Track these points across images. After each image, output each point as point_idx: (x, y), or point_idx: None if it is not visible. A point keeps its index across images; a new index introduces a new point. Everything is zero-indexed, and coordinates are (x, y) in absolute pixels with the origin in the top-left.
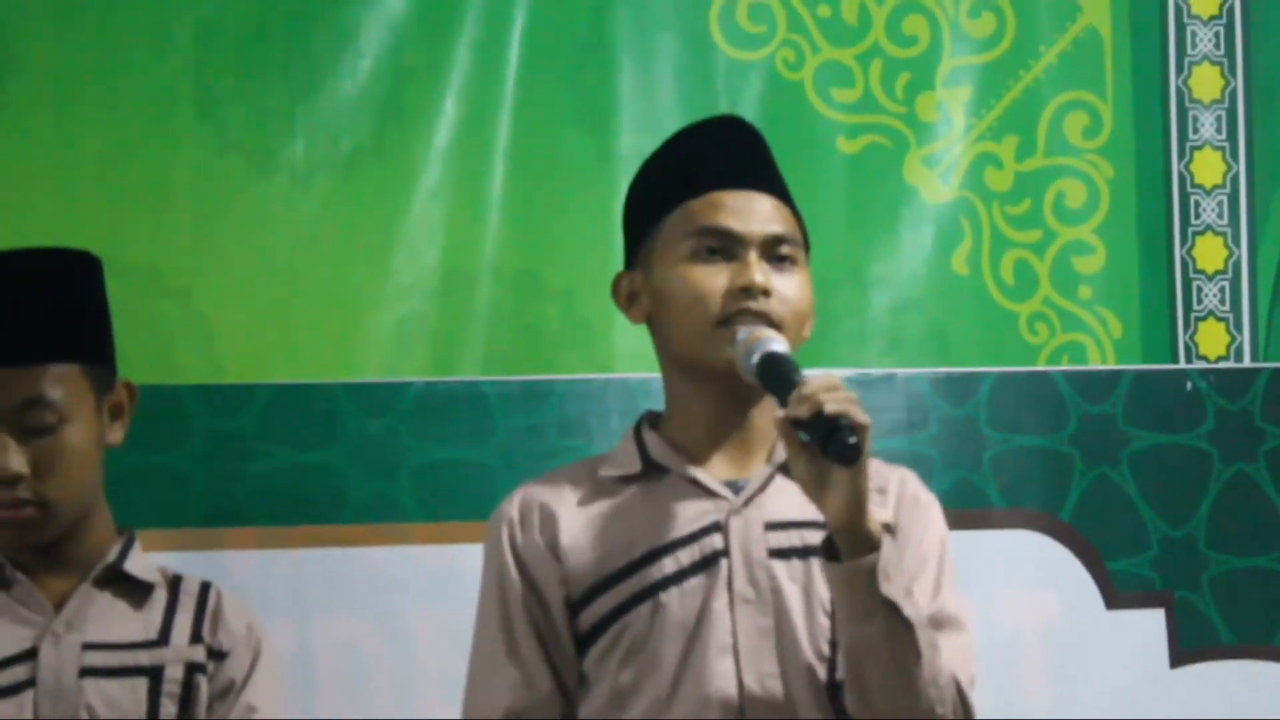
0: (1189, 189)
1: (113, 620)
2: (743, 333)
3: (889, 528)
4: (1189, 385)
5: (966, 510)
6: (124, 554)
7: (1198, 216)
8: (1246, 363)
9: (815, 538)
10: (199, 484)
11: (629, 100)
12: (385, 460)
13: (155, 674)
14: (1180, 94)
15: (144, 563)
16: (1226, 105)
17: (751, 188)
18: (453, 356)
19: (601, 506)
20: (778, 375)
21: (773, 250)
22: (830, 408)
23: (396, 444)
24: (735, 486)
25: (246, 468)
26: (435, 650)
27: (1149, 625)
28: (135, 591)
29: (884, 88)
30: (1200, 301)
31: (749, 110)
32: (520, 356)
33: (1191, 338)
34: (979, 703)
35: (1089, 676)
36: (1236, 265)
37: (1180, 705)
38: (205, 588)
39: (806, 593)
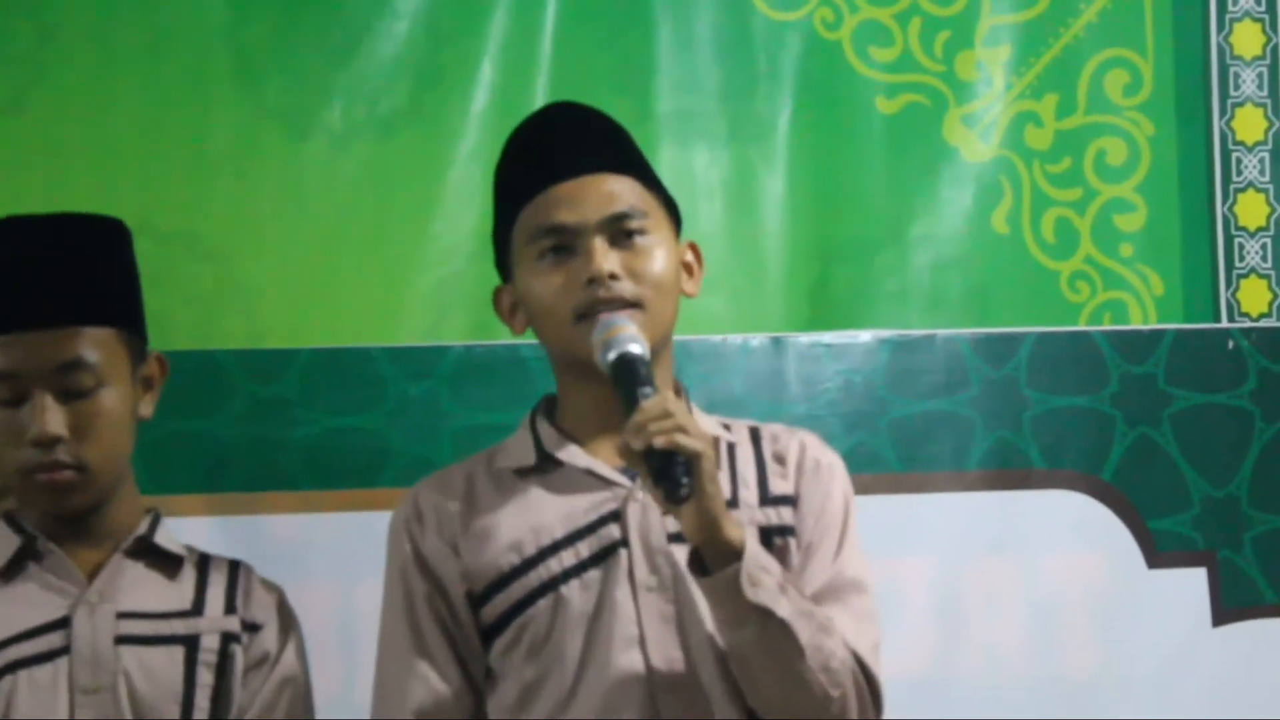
0: (1230, 146)
1: (146, 590)
2: (598, 329)
3: (789, 499)
4: (1230, 344)
5: (1007, 471)
6: (153, 528)
7: (1239, 173)
8: None
9: None
10: (240, 449)
11: (667, 62)
12: (425, 423)
13: (191, 643)
14: (1221, 50)
15: (172, 538)
16: (1268, 61)
17: (583, 172)
18: (492, 320)
19: (498, 500)
20: (623, 386)
21: (615, 229)
22: (658, 441)
23: (436, 407)
24: (631, 474)
25: (287, 432)
26: None
27: (1191, 585)
28: (166, 564)
29: (923, 46)
30: (1242, 259)
31: (788, 71)
32: None
33: (1234, 295)
34: (1023, 662)
35: (1131, 636)
36: (1279, 222)
37: (1222, 664)
38: (235, 564)
39: None
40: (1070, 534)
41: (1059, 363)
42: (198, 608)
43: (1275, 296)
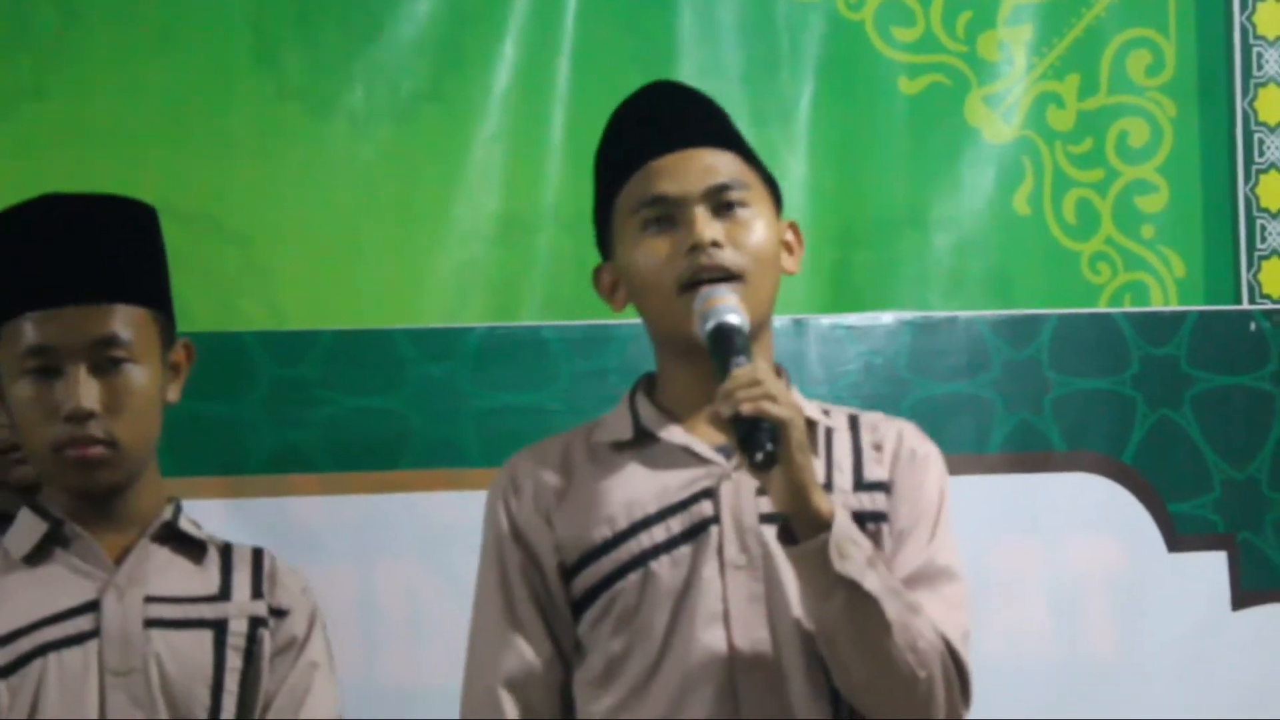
0: (1253, 127)
1: (173, 575)
2: (699, 298)
3: (883, 486)
4: (1252, 326)
5: (1028, 453)
6: (177, 514)
7: (1261, 154)
8: None
9: None
10: (262, 430)
11: (689, 44)
12: (447, 406)
13: (220, 626)
14: (1244, 30)
15: (195, 525)
16: None
17: (684, 146)
18: (513, 302)
19: (594, 474)
20: (718, 355)
21: (717, 200)
22: (745, 408)
23: (458, 389)
24: (728, 452)
25: (309, 413)
26: None
27: (1211, 567)
28: (191, 550)
29: (945, 27)
30: (1264, 240)
31: (810, 51)
32: (581, 301)
33: (1255, 276)
34: (1043, 644)
35: (1151, 619)
36: None
37: (1243, 647)
38: (258, 551)
39: None
40: (1091, 517)
41: (1080, 345)
42: (225, 593)
43: None
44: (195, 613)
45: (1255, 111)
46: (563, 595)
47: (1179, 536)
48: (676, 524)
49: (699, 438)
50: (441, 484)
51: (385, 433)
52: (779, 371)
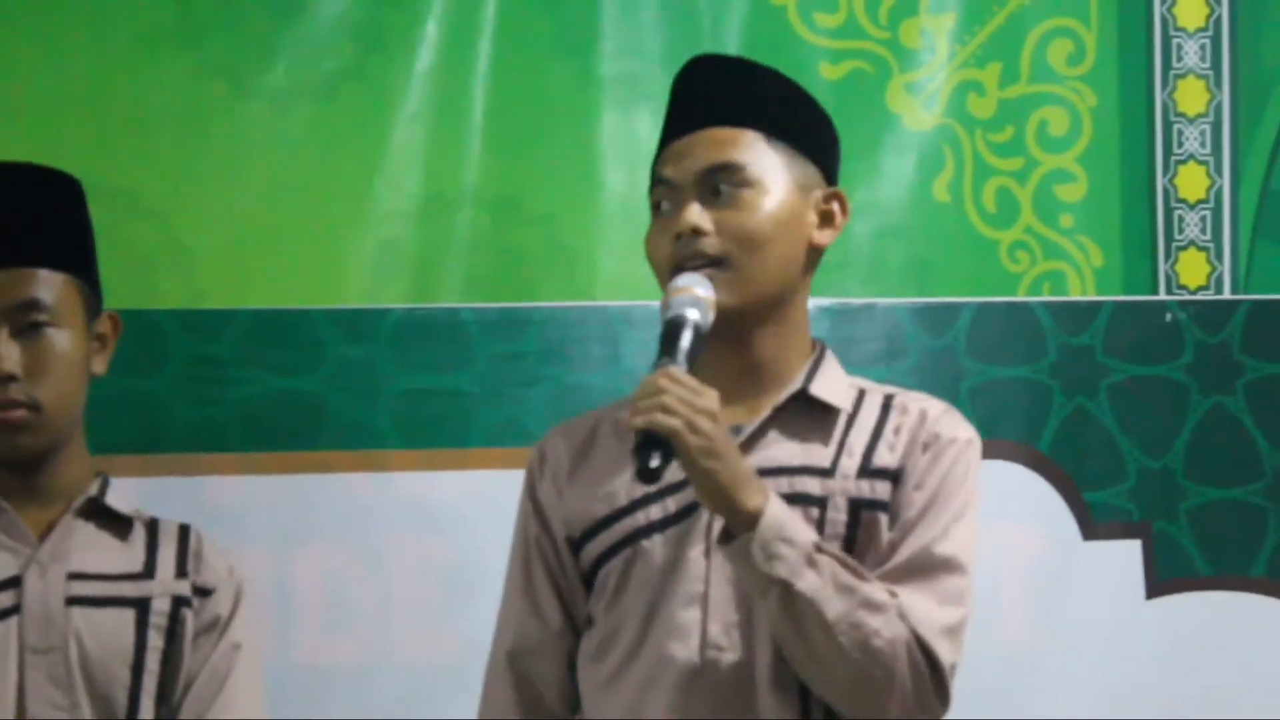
0: (1171, 117)
1: (97, 552)
2: (669, 287)
3: (889, 473)
4: (1168, 317)
5: None
6: (103, 489)
7: (1180, 145)
8: (1226, 293)
9: (807, 484)
10: (178, 409)
11: (611, 25)
12: (364, 387)
13: (142, 605)
14: (1165, 21)
15: (123, 500)
16: (1210, 33)
17: (698, 127)
18: (433, 283)
19: (611, 449)
20: (658, 352)
21: (713, 182)
22: (636, 421)
23: (376, 370)
24: (735, 431)
25: (226, 393)
26: (411, 577)
27: (1126, 556)
28: (116, 526)
29: (868, 13)
30: (1181, 231)
31: (732, 35)
32: (500, 283)
33: (1172, 267)
34: None
35: (1065, 607)
36: (1218, 195)
37: (1156, 636)
38: (185, 528)
39: None
40: (1006, 505)
41: (998, 333)
42: (149, 570)
43: (1214, 269)
44: (118, 590)
45: (1174, 103)
46: (574, 568)
47: (1094, 525)
48: (673, 503)
49: None
50: (359, 465)
51: (302, 413)
52: (815, 347)
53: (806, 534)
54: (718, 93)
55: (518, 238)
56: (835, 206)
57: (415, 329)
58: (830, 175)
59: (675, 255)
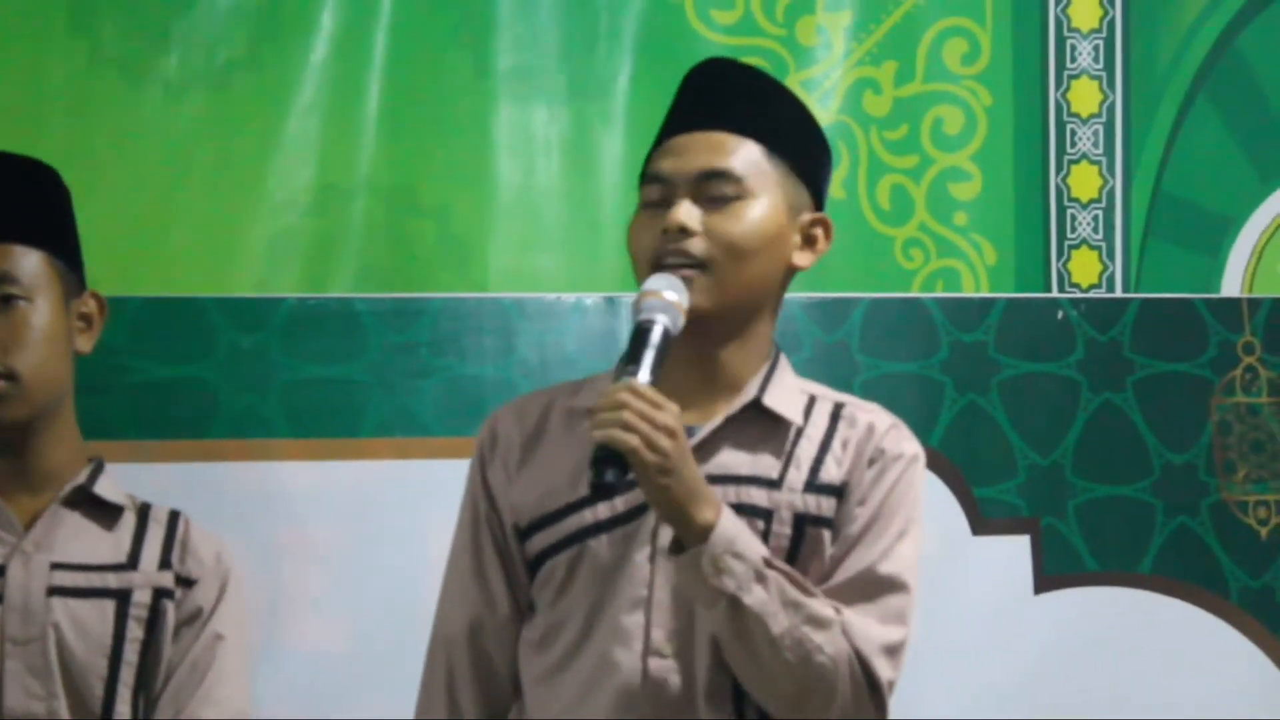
0: (1065, 117)
1: (82, 542)
2: (644, 286)
3: (834, 489)
4: (1060, 315)
5: None
6: (94, 477)
7: (1073, 145)
8: (1119, 292)
9: (754, 495)
10: None
11: (507, 18)
12: (256, 375)
13: (123, 597)
14: (1059, 22)
15: (113, 488)
16: (1104, 34)
17: (703, 128)
18: (326, 273)
19: (561, 439)
20: (623, 357)
21: (706, 188)
22: (595, 434)
23: (267, 359)
24: (690, 432)
25: (116, 380)
26: (301, 567)
27: (1014, 551)
28: (104, 515)
29: (764, 11)
30: (1074, 230)
31: (629, 29)
32: (394, 274)
33: (1065, 265)
34: None
35: (954, 601)
36: (1111, 194)
37: (1043, 631)
38: (174, 516)
39: None
40: None
41: (890, 329)
42: (132, 561)
43: (1105, 268)
44: (100, 581)
45: (1068, 103)
46: (519, 554)
47: (983, 520)
48: (621, 503)
49: None
50: (249, 454)
51: (193, 401)
52: (770, 354)
53: (756, 549)
54: (726, 97)
55: (412, 229)
56: (819, 232)
57: (308, 319)
58: (820, 200)
59: (658, 250)
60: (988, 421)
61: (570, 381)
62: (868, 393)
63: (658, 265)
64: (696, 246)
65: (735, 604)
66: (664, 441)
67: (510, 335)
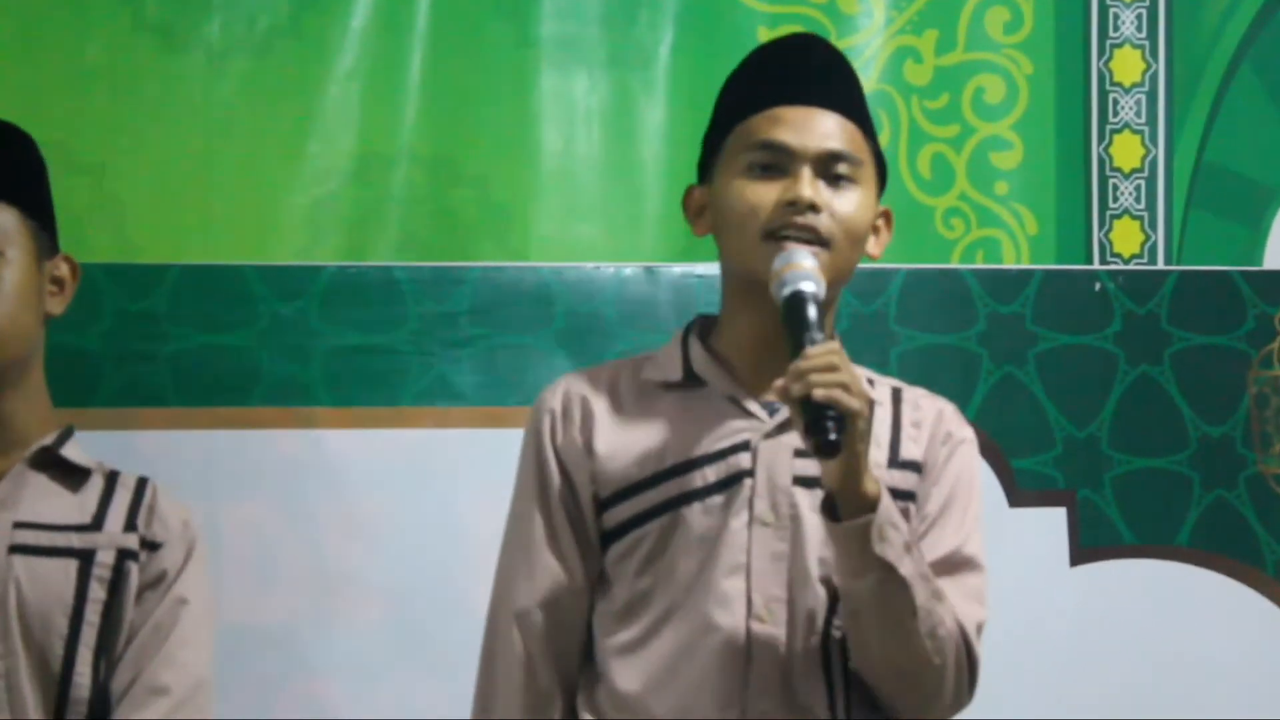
0: (1108, 87)
1: (47, 502)
2: (780, 259)
3: (916, 466)
4: (1097, 286)
5: None
6: (61, 440)
7: (1116, 114)
8: (1160, 263)
9: None
10: (109, 363)
11: None
12: (296, 344)
13: (86, 556)
14: None
15: (81, 452)
16: (1147, 3)
17: (816, 104)
18: (366, 241)
19: (638, 410)
20: (792, 325)
21: (829, 167)
22: (818, 394)
23: (308, 328)
24: (772, 409)
25: (157, 348)
26: (339, 536)
27: (1050, 523)
28: (71, 477)
29: None
30: (1116, 199)
31: None
32: (434, 242)
33: (1106, 235)
34: None
35: (990, 573)
36: (1153, 164)
37: (1079, 603)
38: (142, 481)
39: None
40: None
41: (928, 300)
42: (97, 523)
43: (1147, 238)
44: (63, 541)
45: (1110, 72)
46: (595, 525)
47: (1020, 491)
48: (712, 473)
49: (746, 390)
50: (289, 422)
51: (234, 369)
52: (833, 339)
53: (904, 521)
54: (836, 77)
55: (452, 197)
56: (883, 222)
57: (348, 287)
58: (884, 188)
59: (778, 220)
60: (1024, 393)
61: (624, 359)
62: (904, 364)
63: (773, 235)
64: (823, 222)
65: (889, 573)
66: (867, 408)
67: (549, 304)
